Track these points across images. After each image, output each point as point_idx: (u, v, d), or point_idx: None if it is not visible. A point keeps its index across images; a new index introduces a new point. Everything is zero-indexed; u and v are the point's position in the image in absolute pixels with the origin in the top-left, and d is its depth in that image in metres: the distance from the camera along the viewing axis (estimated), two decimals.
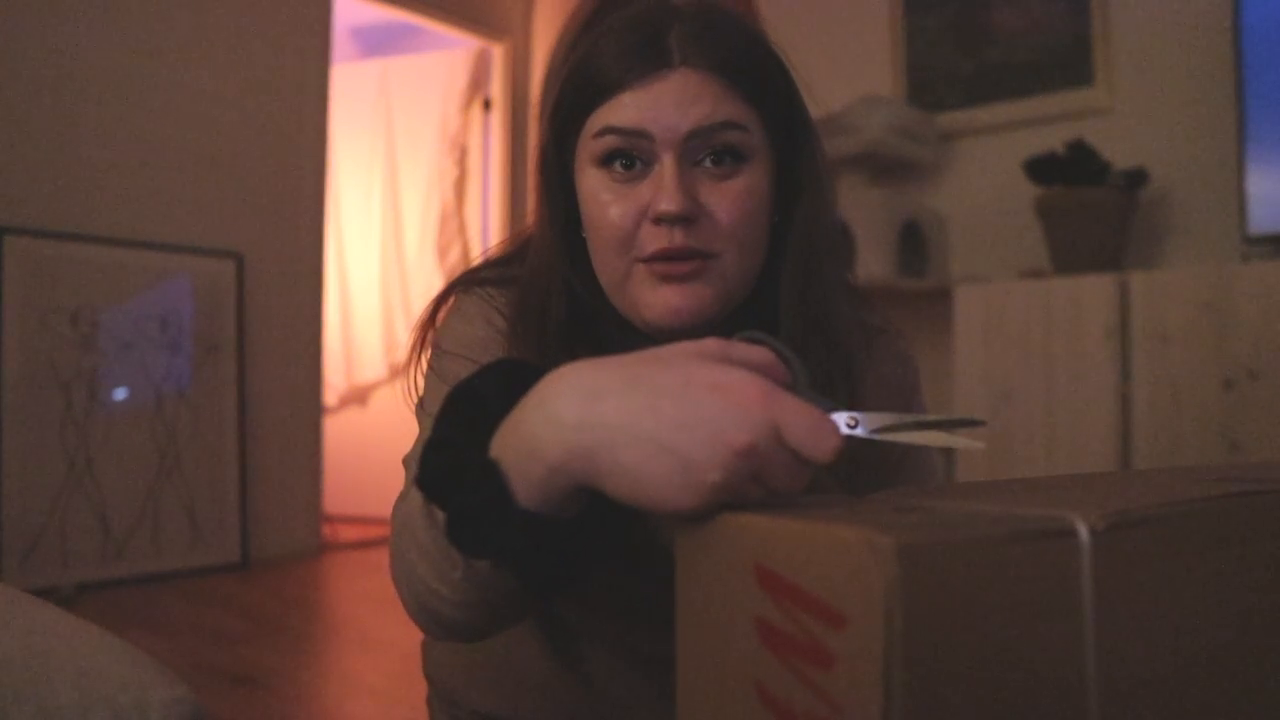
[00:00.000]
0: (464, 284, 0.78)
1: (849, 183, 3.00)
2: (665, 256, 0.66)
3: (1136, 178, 2.53)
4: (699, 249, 0.66)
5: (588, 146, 0.69)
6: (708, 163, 0.67)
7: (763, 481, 0.42)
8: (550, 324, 0.72)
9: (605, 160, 0.68)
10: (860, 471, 0.69)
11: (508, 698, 0.81)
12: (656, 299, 0.67)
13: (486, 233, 4.20)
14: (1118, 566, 0.38)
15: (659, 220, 0.65)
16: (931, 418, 0.50)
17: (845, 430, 0.47)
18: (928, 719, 0.34)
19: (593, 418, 0.43)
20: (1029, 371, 2.47)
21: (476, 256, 4.13)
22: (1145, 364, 2.30)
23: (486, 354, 0.72)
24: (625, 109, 0.66)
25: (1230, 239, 2.50)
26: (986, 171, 2.98)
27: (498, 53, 4.16)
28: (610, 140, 0.67)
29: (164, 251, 2.92)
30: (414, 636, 0.90)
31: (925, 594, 0.34)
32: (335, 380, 4.06)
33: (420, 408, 0.74)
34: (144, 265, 2.87)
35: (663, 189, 0.65)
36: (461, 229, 4.20)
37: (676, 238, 0.65)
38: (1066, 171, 2.56)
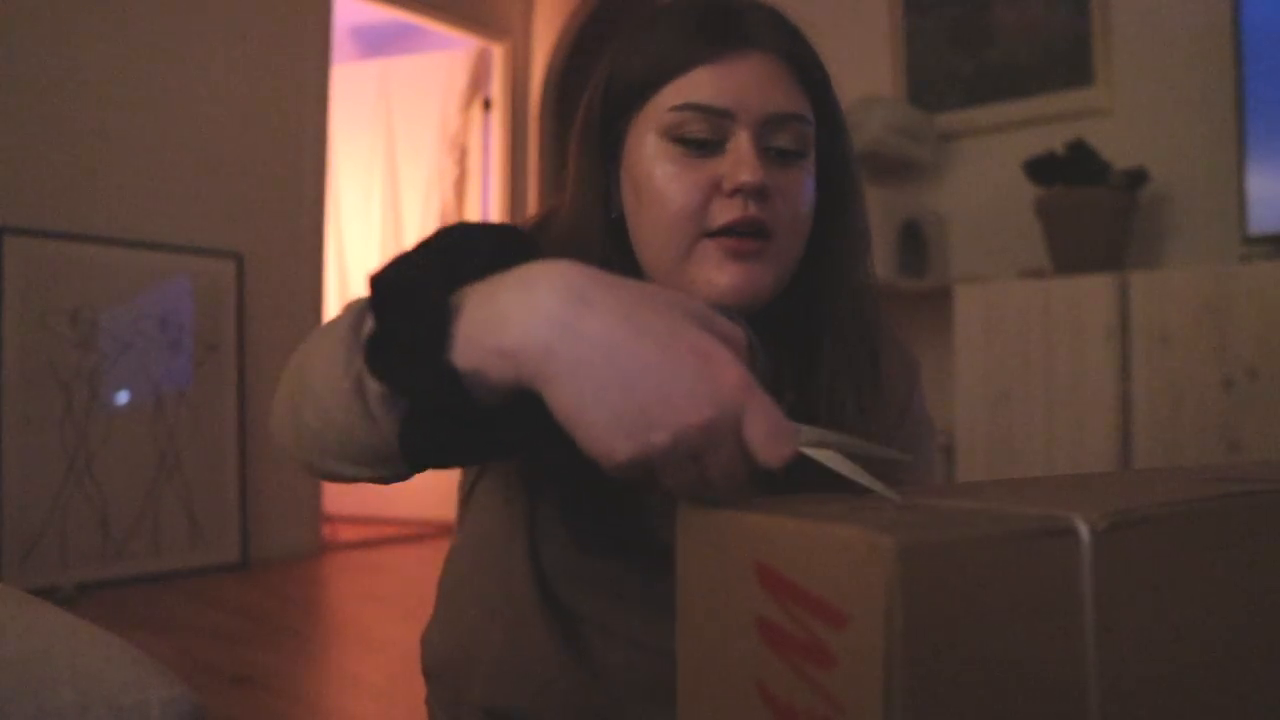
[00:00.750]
0: None
1: None
2: (737, 229, 0.66)
3: (1136, 178, 2.53)
4: (767, 225, 0.67)
5: (656, 119, 0.68)
6: (773, 150, 0.68)
7: (701, 466, 0.41)
8: None
9: (678, 136, 0.67)
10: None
11: (511, 692, 0.81)
12: (722, 277, 0.66)
13: None
14: (1118, 566, 0.38)
15: (736, 191, 0.66)
16: (865, 446, 0.48)
17: None
18: (928, 718, 0.34)
19: (571, 322, 0.41)
20: (1029, 371, 2.47)
21: None
22: (1145, 364, 2.30)
23: None
24: (704, 86, 0.66)
25: (1230, 239, 2.49)
26: (986, 171, 2.98)
27: (498, 53, 4.16)
28: (689, 116, 0.67)
29: (164, 251, 2.92)
30: (414, 637, 0.90)
31: (926, 593, 0.34)
32: None
33: None
34: (144, 265, 2.87)
35: (742, 161, 0.65)
36: None
37: (751, 209, 0.66)
38: (1066, 171, 2.56)
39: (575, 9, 4.10)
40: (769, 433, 0.41)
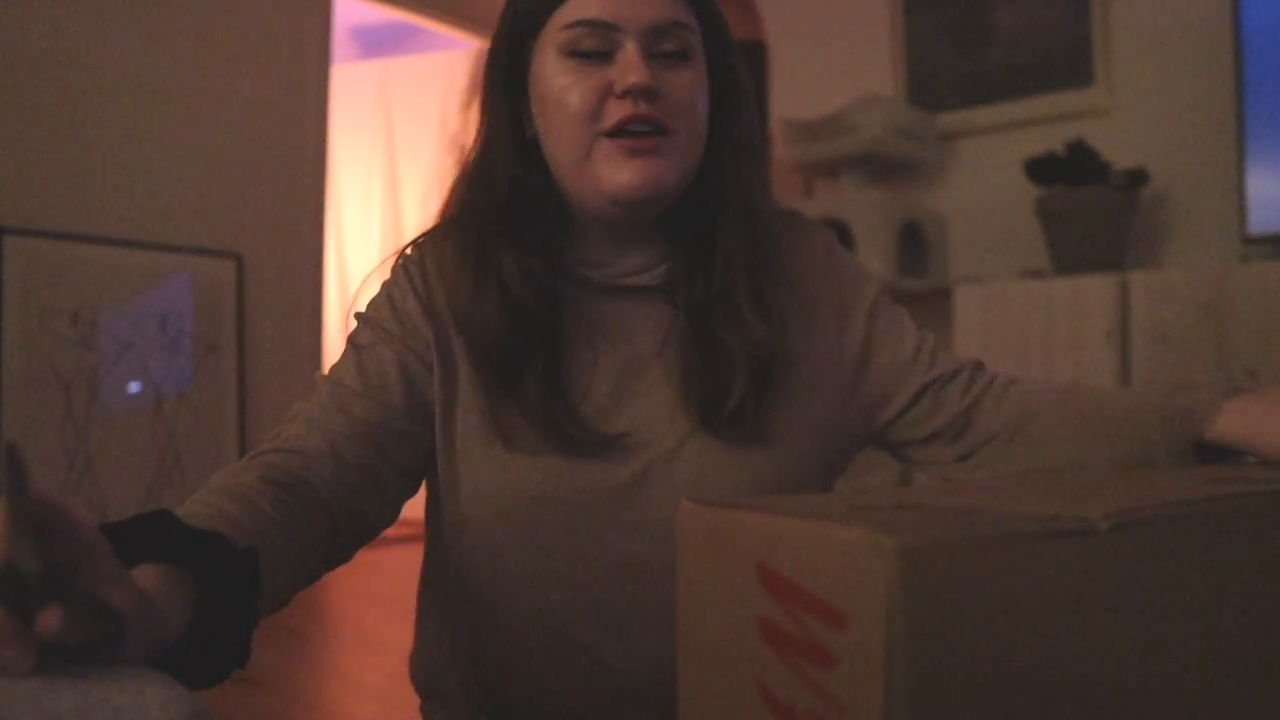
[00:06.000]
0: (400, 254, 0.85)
1: (849, 182, 3.00)
2: (630, 128, 0.72)
3: (1136, 178, 2.53)
4: (660, 120, 0.73)
5: (553, 39, 0.75)
6: (661, 55, 0.74)
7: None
8: (491, 214, 0.77)
9: (572, 50, 0.74)
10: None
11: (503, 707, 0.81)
12: (622, 174, 0.73)
13: None
14: (1121, 566, 0.38)
15: (626, 93, 0.72)
16: None
17: None
18: (929, 718, 0.34)
19: None
20: (1029, 371, 2.47)
21: None
22: (1145, 364, 2.30)
23: (391, 317, 0.78)
24: (591, 4, 0.73)
25: (1230, 239, 2.49)
26: (986, 171, 2.98)
27: None
28: (580, 32, 0.73)
29: (164, 251, 2.91)
30: (412, 637, 0.90)
31: (927, 593, 0.34)
32: None
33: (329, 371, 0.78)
34: (144, 265, 2.87)
35: (630, 66, 0.72)
36: None
37: (641, 107, 0.72)
38: (1066, 171, 2.56)
39: None
40: None
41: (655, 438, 0.75)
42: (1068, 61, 2.84)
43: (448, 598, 0.82)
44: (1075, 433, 0.78)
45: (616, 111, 0.72)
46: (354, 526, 0.72)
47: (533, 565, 0.75)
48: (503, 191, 0.78)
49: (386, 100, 4.28)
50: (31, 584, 0.38)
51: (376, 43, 4.56)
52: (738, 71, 0.81)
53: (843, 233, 2.80)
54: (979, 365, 0.86)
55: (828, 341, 0.82)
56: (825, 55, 3.24)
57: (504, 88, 0.79)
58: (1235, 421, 0.69)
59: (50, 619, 0.37)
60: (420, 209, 4.21)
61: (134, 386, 2.78)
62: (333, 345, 3.92)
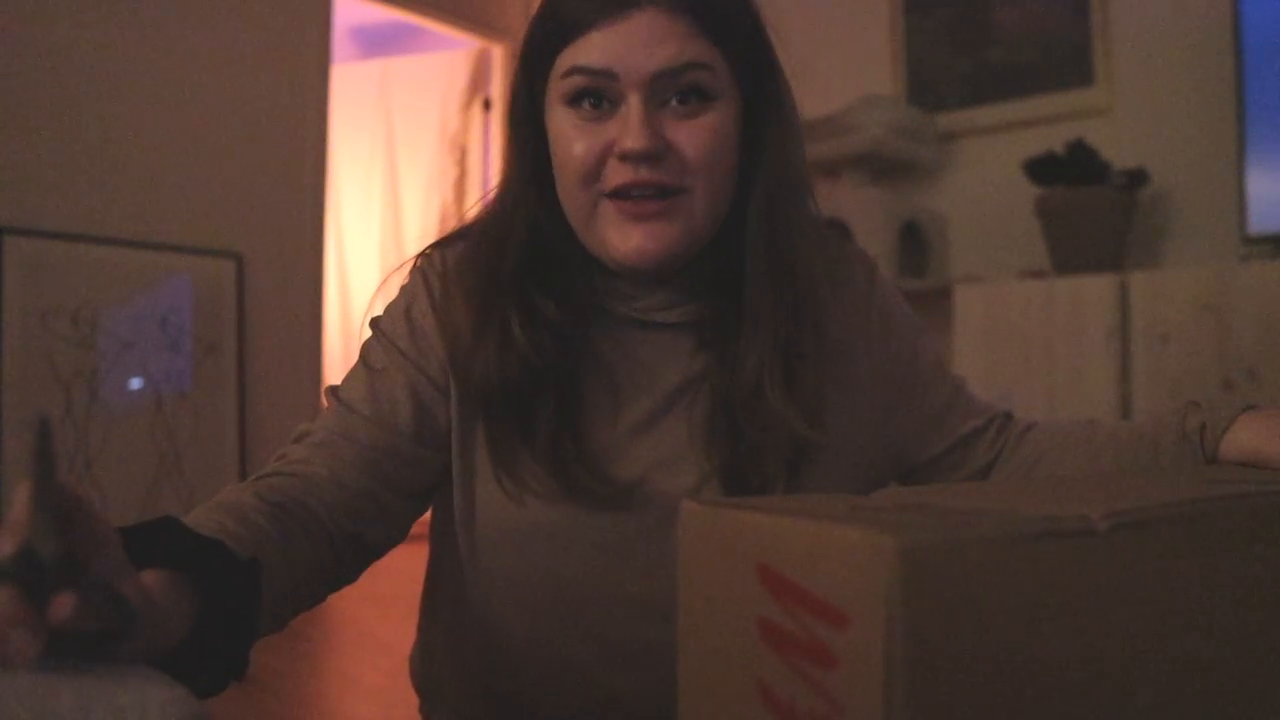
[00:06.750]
0: (420, 256, 0.79)
1: (849, 182, 3.00)
2: (630, 192, 0.67)
3: (1136, 178, 2.53)
4: (667, 184, 0.67)
5: (556, 86, 0.70)
6: (674, 102, 0.68)
7: None
8: (506, 263, 0.73)
9: (573, 99, 0.69)
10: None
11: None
12: (625, 240, 0.68)
13: None
14: (1122, 566, 0.38)
15: (624, 158, 0.67)
16: None
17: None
18: (929, 718, 0.34)
19: None
20: (1029, 371, 2.47)
21: None
22: (1145, 364, 2.30)
23: (407, 335, 0.74)
24: (592, 49, 0.67)
25: (1230, 239, 2.49)
26: (986, 171, 2.98)
27: (498, 53, 4.16)
28: (578, 80, 0.68)
29: (164, 251, 2.91)
30: (413, 638, 0.90)
31: (928, 594, 0.34)
32: (335, 380, 4.06)
33: (336, 387, 0.77)
34: (144, 265, 2.87)
35: (628, 128, 0.66)
36: None
37: (642, 173, 0.67)
38: (1066, 171, 2.56)
39: None
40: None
41: (671, 481, 0.72)
42: (1068, 61, 2.83)
43: (454, 611, 0.81)
44: (1089, 454, 0.77)
45: (617, 175, 0.67)
46: (356, 549, 0.70)
47: (544, 596, 0.73)
48: (516, 245, 0.73)
49: (386, 100, 4.29)
50: (49, 568, 0.38)
51: (376, 43, 4.56)
52: (780, 98, 0.74)
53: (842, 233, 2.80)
54: (1008, 416, 0.83)
55: (863, 399, 0.78)
56: (825, 55, 3.24)
57: (524, 131, 0.74)
58: (1247, 437, 0.67)
59: (64, 604, 0.37)
60: (420, 209, 4.21)
61: (135, 383, 2.78)
62: (333, 345, 3.92)
